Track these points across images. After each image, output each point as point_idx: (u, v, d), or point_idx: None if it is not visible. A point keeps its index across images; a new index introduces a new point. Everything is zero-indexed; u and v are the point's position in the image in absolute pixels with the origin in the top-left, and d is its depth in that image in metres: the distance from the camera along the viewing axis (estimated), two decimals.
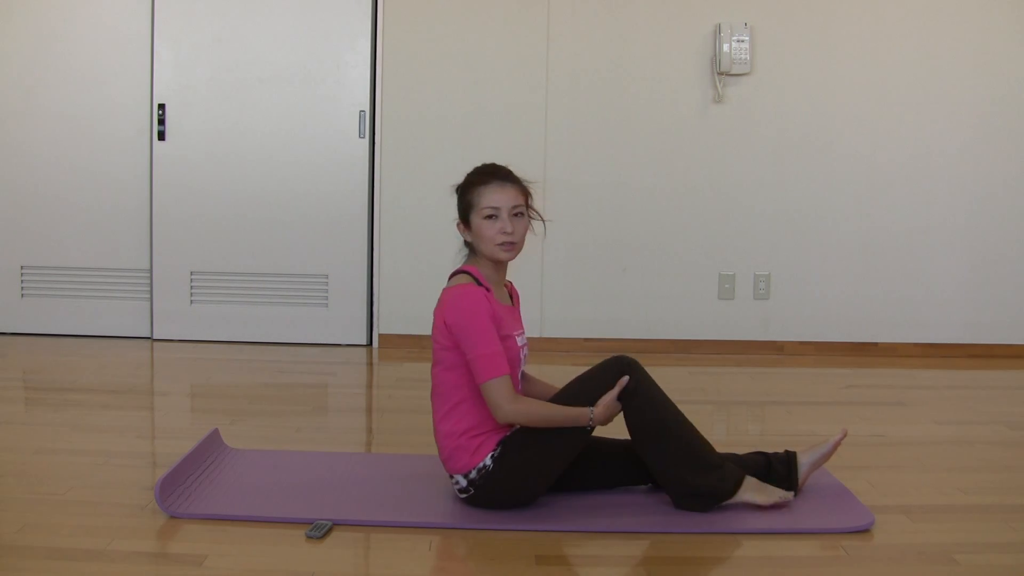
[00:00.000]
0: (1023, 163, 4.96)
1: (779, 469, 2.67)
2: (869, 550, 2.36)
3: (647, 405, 2.54)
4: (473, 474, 2.50)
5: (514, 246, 2.54)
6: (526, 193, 2.57)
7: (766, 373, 4.59)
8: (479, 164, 2.63)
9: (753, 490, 2.56)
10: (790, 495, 2.58)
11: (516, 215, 2.52)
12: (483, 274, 2.55)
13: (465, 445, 2.50)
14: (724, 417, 3.78)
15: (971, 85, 4.90)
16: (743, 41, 4.79)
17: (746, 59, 4.79)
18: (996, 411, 3.89)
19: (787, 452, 2.70)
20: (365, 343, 4.98)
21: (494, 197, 2.51)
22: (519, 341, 2.58)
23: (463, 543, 2.36)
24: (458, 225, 2.58)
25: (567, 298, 4.91)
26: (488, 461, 2.48)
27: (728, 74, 4.84)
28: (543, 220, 2.64)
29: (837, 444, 2.72)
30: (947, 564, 2.27)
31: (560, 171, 4.88)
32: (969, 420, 3.75)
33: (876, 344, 5.01)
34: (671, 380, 4.37)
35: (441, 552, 2.31)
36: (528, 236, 2.59)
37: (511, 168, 2.60)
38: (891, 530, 2.48)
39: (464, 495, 2.53)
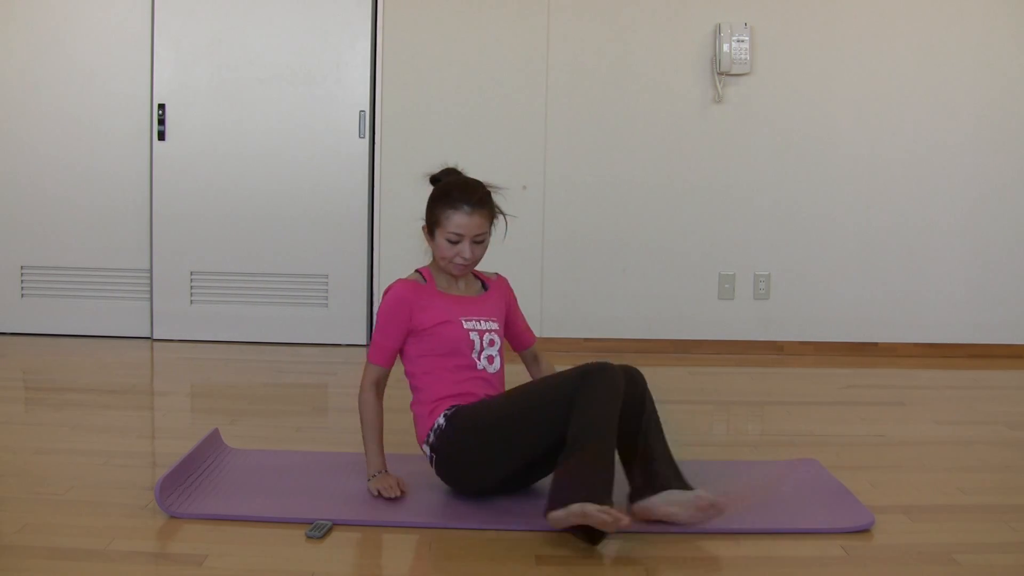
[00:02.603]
0: (1023, 163, 4.96)
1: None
2: (869, 550, 2.36)
3: (583, 414, 2.39)
4: (431, 438, 2.61)
5: (466, 268, 2.68)
6: (492, 217, 2.67)
7: (766, 373, 4.59)
8: (457, 174, 2.75)
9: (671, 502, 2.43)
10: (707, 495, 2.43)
11: (477, 242, 2.63)
12: (434, 275, 2.73)
13: (422, 412, 2.66)
14: (724, 417, 3.78)
15: (971, 85, 4.90)
16: (743, 41, 4.79)
17: (746, 59, 4.80)
18: (996, 411, 3.89)
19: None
20: (365, 343, 4.98)
21: (460, 224, 2.60)
22: (468, 325, 2.65)
23: (463, 543, 2.36)
24: (423, 228, 2.71)
25: (567, 298, 4.91)
26: (441, 420, 2.60)
27: (728, 74, 4.84)
28: (506, 221, 2.73)
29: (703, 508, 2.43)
30: (947, 564, 2.27)
31: (560, 171, 4.88)
32: (969, 420, 3.75)
33: (876, 344, 5.01)
34: (671, 380, 4.39)
35: (441, 552, 2.31)
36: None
37: (486, 184, 2.70)
38: (891, 530, 2.48)
39: (434, 468, 2.64)
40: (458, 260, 2.63)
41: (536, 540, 2.37)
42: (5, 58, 4.89)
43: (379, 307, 2.70)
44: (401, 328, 2.65)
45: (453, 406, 2.61)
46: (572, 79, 4.87)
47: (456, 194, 2.63)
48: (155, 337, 4.98)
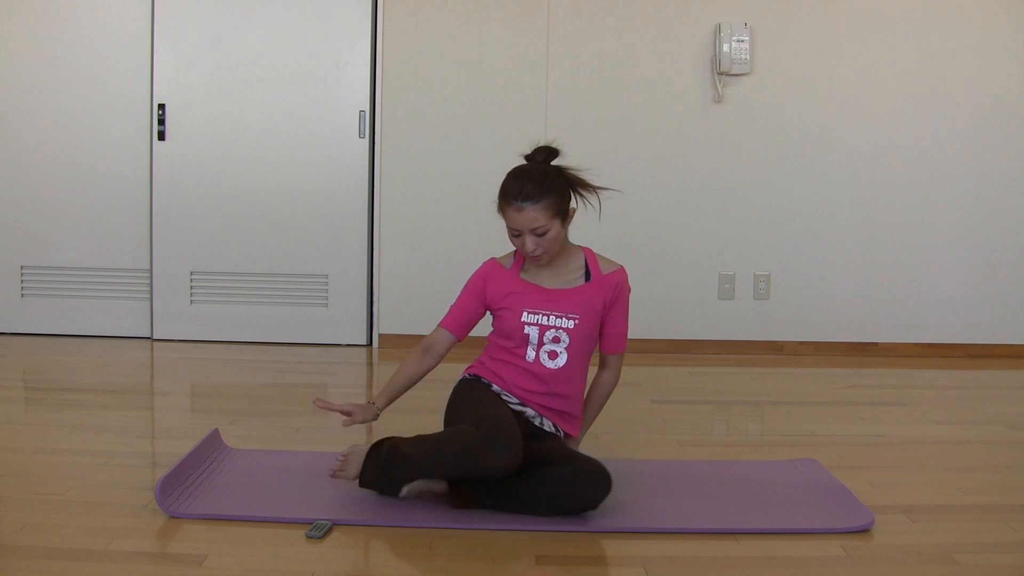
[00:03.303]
0: (1023, 163, 4.96)
1: None
2: (869, 550, 2.36)
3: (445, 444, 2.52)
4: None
5: (539, 258, 2.64)
6: (555, 206, 2.58)
7: (766, 373, 4.59)
8: (545, 155, 2.68)
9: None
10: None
11: (539, 234, 2.58)
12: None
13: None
14: (724, 417, 3.78)
15: (971, 85, 4.90)
16: (743, 41, 4.79)
17: (746, 59, 4.80)
18: (996, 411, 3.89)
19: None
20: (365, 343, 4.99)
21: (514, 219, 2.58)
22: (528, 318, 2.65)
23: (463, 543, 2.36)
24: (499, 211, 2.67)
25: None
26: (465, 374, 2.79)
27: (728, 74, 4.84)
28: (599, 198, 2.72)
29: None
30: (947, 564, 2.27)
31: None
32: (969, 420, 3.75)
33: (876, 344, 5.01)
34: (671, 380, 4.40)
35: (441, 552, 2.31)
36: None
37: (558, 169, 2.65)
38: (891, 530, 2.48)
39: None
40: (525, 251, 2.62)
41: (536, 540, 2.37)
42: (5, 58, 4.90)
43: (467, 281, 2.77)
44: (475, 300, 2.73)
45: (474, 374, 2.73)
46: (572, 79, 4.87)
47: (508, 187, 2.59)
48: (155, 337, 4.98)
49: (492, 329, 2.77)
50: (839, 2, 4.87)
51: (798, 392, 4.23)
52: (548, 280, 2.71)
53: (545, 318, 2.66)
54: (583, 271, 2.74)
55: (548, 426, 2.71)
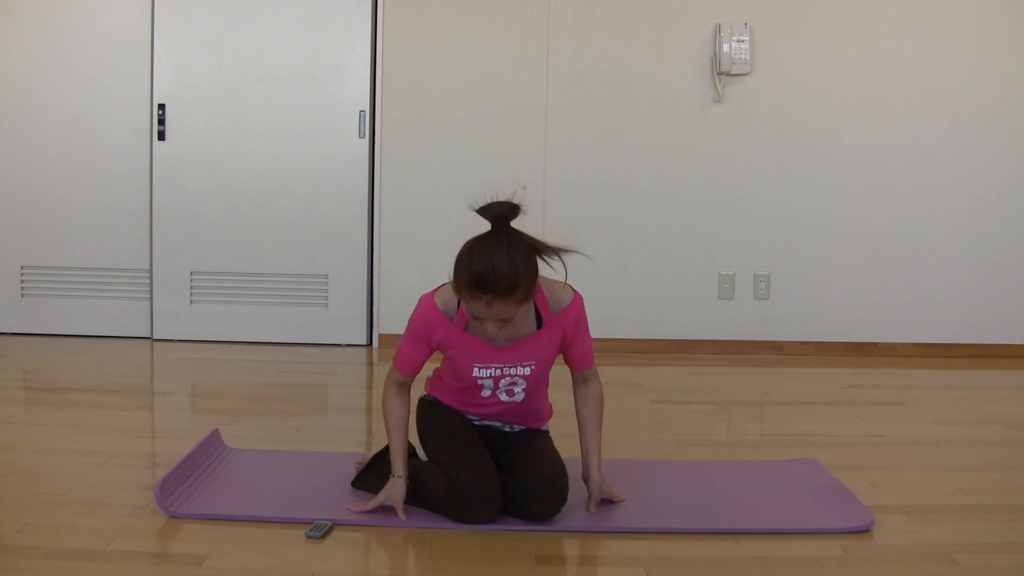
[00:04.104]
0: (1023, 163, 4.96)
1: None
2: (869, 550, 2.36)
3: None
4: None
5: (499, 338, 2.42)
6: (525, 296, 2.28)
7: (766, 373, 4.59)
8: (500, 220, 2.27)
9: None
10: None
11: (505, 320, 2.31)
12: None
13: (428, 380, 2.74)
14: (724, 417, 3.78)
15: (971, 85, 4.90)
16: (743, 41, 4.79)
17: (746, 59, 4.80)
18: (996, 411, 3.89)
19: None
20: (365, 343, 4.99)
21: (478, 310, 2.28)
22: (479, 372, 2.48)
23: (463, 543, 2.36)
24: (451, 282, 2.34)
25: None
26: (425, 393, 2.72)
27: (728, 74, 4.84)
28: (564, 265, 2.35)
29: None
30: (947, 564, 2.27)
31: (560, 171, 4.88)
32: (969, 420, 3.75)
33: (876, 344, 5.01)
34: (671, 380, 4.39)
35: (441, 552, 2.31)
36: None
37: (535, 249, 2.29)
38: (891, 530, 2.48)
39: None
40: (486, 335, 2.37)
41: (536, 540, 2.37)
42: (5, 58, 4.89)
43: (411, 315, 2.49)
44: (422, 346, 2.49)
45: (434, 396, 2.67)
46: (572, 79, 4.87)
47: (474, 276, 2.22)
48: (155, 337, 4.98)
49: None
50: (839, 2, 4.87)
51: (798, 392, 4.23)
52: (497, 336, 2.41)
53: (498, 370, 2.48)
54: (534, 316, 2.47)
55: (518, 428, 2.68)
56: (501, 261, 2.21)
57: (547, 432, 2.74)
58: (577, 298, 2.54)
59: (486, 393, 2.55)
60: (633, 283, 4.94)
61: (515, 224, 2.32)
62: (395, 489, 2.49)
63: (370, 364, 4.64)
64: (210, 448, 2.89)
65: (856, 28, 4.87)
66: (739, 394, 4.14)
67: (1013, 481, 2.96)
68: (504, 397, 2.56)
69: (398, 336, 4.87)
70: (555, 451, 2.64)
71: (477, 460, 2.49)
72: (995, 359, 4.98)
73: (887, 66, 4.89)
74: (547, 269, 2.36)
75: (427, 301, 2.47)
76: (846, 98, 4.90)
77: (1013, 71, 4.90)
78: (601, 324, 4.94)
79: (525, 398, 2.58)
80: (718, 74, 4.83)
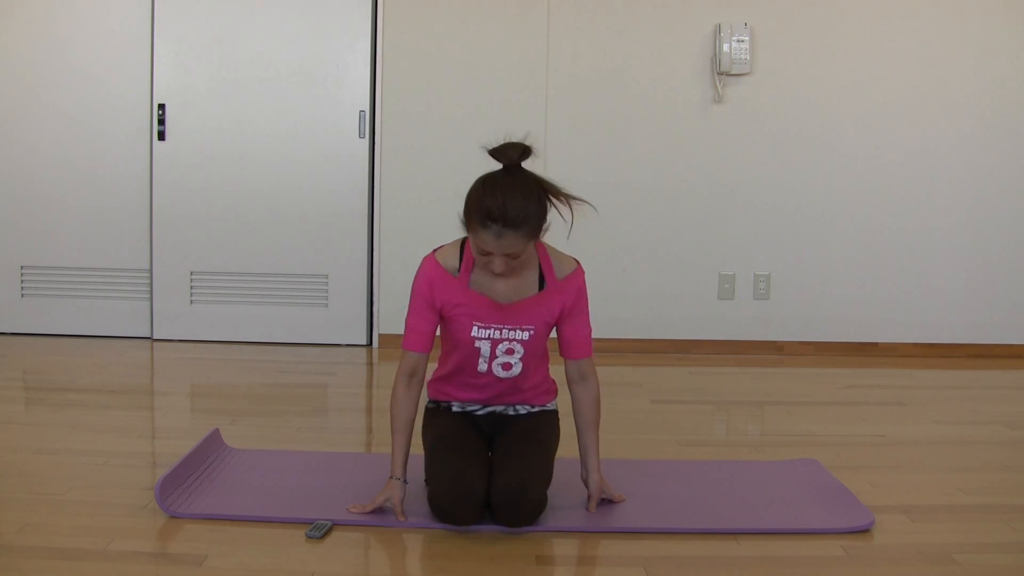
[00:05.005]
0: (1023, 163, 4.96)
1: None
2: (869, 550, 2.36)
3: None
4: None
5: (503, 275, 2.43)
6: (534, 232, 2.34)
7: (766, 373, 4.59)
8: (515, 155, 2.38)
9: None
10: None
11: (512, 256, 2.34)
12: (476, 263, 2.47)
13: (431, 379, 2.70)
14: (724, 417, 3.79)
15: (971, 85, 4.90)
16: (743, 41, 4.79)
17: (746, 59, 4.80)
18: (996, 411, 3.89)
19: None
20: (365, 343, 4.99)
21: (488, 243, 2.31)
22: (478, 333, 2.47)
23: (463, 543, 2.36)
24: (462, 220, 2.39)
25: None
26: (428, 402, 2.71)
27: (728, 74, 4.84)
28: (572, 214, 2.42)
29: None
30: (947, 564, 2.27)
31: (560, 171, 4.86)
32: (969, 420, 3.75)
33: (876, 344, 5.01)
34: (671, 380, 4.39)
35: (441, 552, 2.31)
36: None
37: (542, 187, 2.39)
38: (891, 530, 2.48)
39: None
40: (492, 270, 2.38)
41: (536, 540, 2.37)
42: (5, 58, 4.89)
43: (414, 279, 2.49)
44: (429, 310, 2.47)
45: (434, 400, 2.69)
46: (572, 79, 4.87)
47: (485, 207, 2.29)
48: (155, 337, 4.98)
49: (444, 328, 2.56)
50: (839, 2, 4.87)
51: (798, 392, 4.23)
52: (500, 291, 2.48)
53: (497, 332, 2.48)
54: (537, 276, 2.51)
55: (523, 409, 2.65)
56: (512, 193, 2.31)
57: (555, 412, 2.69)
58: (581, 270, 2.59)
59: (482, 367, 2.53)
60: (633, 283, 4.94)
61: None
62: (394, 491, 2.48)
63: (370, 364, 4.64)
64: (210, 448, 2.89)
65: (856, 28, 4.87)
66: (739, 394, 4.14)
67: (1013, 481, 2.96)
68: (499, 371, 2.53)
69: (398, 336, 4.87)
70: (549, 446, 2.57)
71: (460, 461, 2.43)
72: (995, 359, 4.98)
73: (887, 66, 4.89)
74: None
75: (428, 260, 2.51)
76: (846, 98, 4.90)
77: (1013, 71, 4.90)
78: (601, 324, 4.92)
79: (523, 372, 2.55)
80: (718, 74, 4.83)
